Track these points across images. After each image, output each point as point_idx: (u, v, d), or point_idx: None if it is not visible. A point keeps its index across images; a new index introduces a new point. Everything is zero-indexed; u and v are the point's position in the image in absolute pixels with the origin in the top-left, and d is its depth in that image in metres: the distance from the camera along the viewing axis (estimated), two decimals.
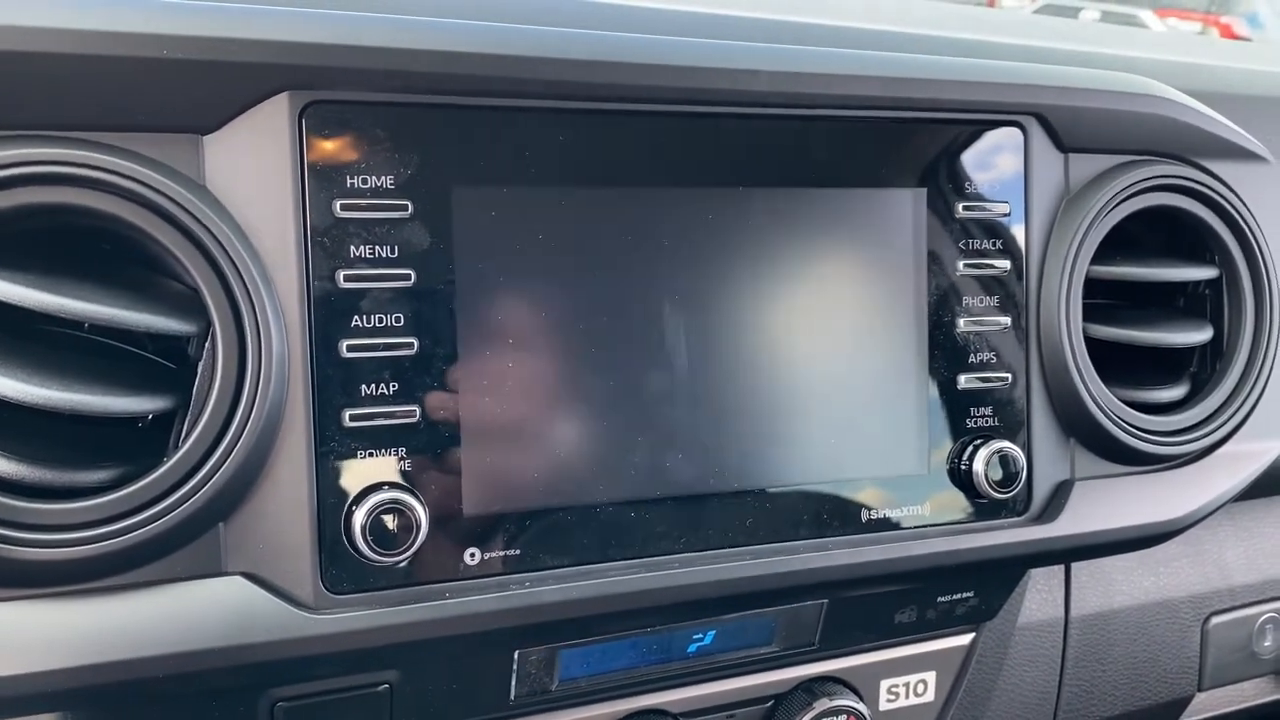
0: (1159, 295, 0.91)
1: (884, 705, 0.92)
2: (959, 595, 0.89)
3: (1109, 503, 0.84)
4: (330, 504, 0.64)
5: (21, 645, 0.58)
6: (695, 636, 0.81)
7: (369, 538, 0.63)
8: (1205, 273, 0.89)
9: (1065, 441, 0.84)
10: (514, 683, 0.75)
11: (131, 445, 0.62)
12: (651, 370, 0.71)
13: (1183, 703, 1.10)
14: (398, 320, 0.65)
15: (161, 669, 0.60)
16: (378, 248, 0.65)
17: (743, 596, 0.74)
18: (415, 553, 0.64)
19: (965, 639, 0.95)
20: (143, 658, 0.59)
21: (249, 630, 0.61)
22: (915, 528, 0.79)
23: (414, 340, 0.65)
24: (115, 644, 0.59)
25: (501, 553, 0.68)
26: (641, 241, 0.71)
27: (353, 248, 0.64)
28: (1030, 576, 1.00)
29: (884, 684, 0.92)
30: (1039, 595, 1.01)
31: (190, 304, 0.62)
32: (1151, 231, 0.90)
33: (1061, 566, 1.02)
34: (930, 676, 0.94)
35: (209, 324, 0.61)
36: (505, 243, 0.67)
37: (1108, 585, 1.04)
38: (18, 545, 0.57)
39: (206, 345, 0.61)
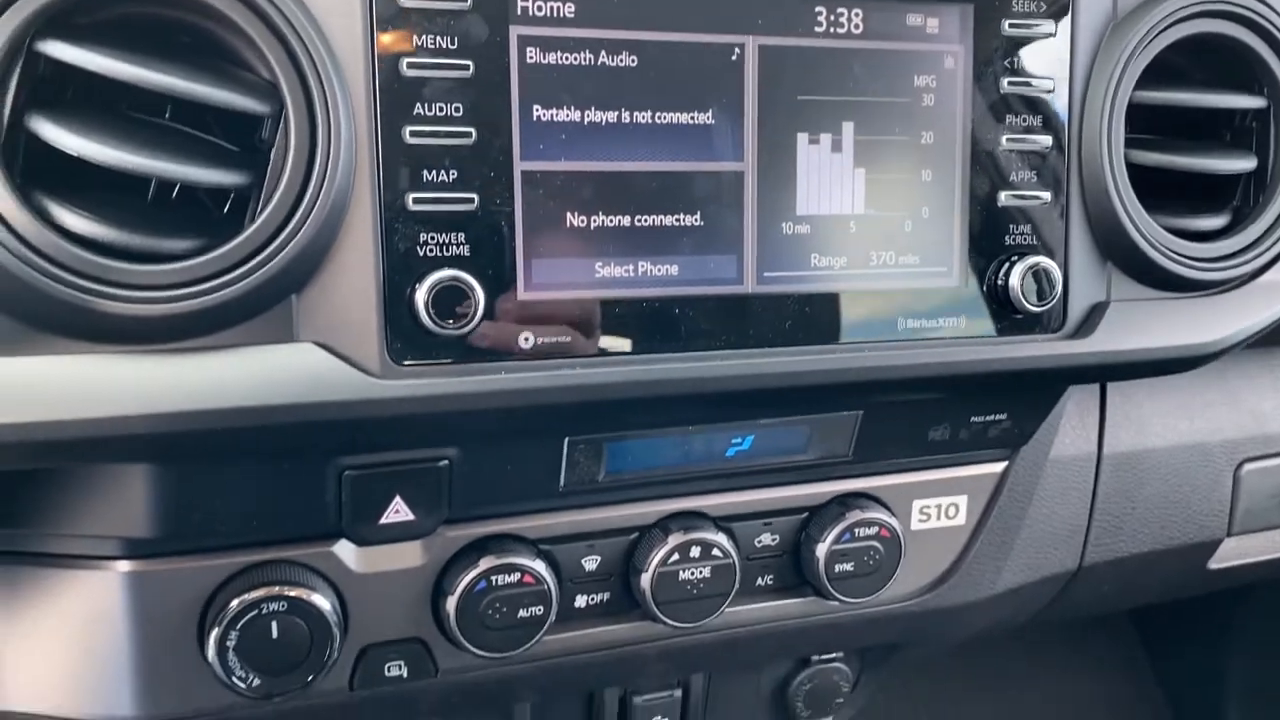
0: (1205, 127, 0.92)
1: (915, 525, 0.96)
2: (992, 417, 0.92)
3: (1143, 324, 0.86)
4: (395, 280, 0.68)
5: (110, 393, 0.63)
6: (734, 440, 0.85)
7: (431, 310, 0.68)
8: (1252, 102, 0.89)
9: (1102, 264, 0.86)
10: (564, 470, 0.80)
11: (209, 223, 0.67)
12: (702, 167, 0.75)
13: (1211, 545, 1.13)
14: (457, 110, 0.69)
15: (238, 420, 0.65)
16: (439, 38, 0.68)
17: (780, 393, 0.78)
18: (473, 329, 0.69)
19: (998, 467, 0.98)
20: (221, 409, 0.64)
21: (319, 390, 0.66)
22: (950, 338, 0.82)
23: (472, 130, 0.69)
24: (196, 394, 0.64)
25: (554, 338, 0.72)
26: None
27: (415, 37, 0.67)
28: (1064, 412, 1.02)
29: (916, 504, 0.96)
30: (1073, 431, 1.04)
31: (264, 91, 0.66)
32: (1199, 66, 0.90)
33: (1096, 403, 1.05)
34: (962, 501, 0.98)
35: (282, 107, 0.65)
36: (563, 38, 0.70)
37: (1142, 426, 1.07)
38: (107, 300, 0.62)
39: (280, 128, 0.65)
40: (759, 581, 0.93)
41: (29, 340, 0.63)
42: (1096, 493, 1.05)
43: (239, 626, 0.74)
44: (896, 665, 1.12)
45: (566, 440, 0.79)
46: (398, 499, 0.76)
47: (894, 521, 0.92)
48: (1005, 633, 1.89)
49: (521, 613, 0.82)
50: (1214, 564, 1.15)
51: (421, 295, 0.68)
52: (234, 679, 0.75)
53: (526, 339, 0.72)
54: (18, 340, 0.63)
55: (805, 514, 0.92)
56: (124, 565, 0.75)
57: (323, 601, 0.77)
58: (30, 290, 0.61)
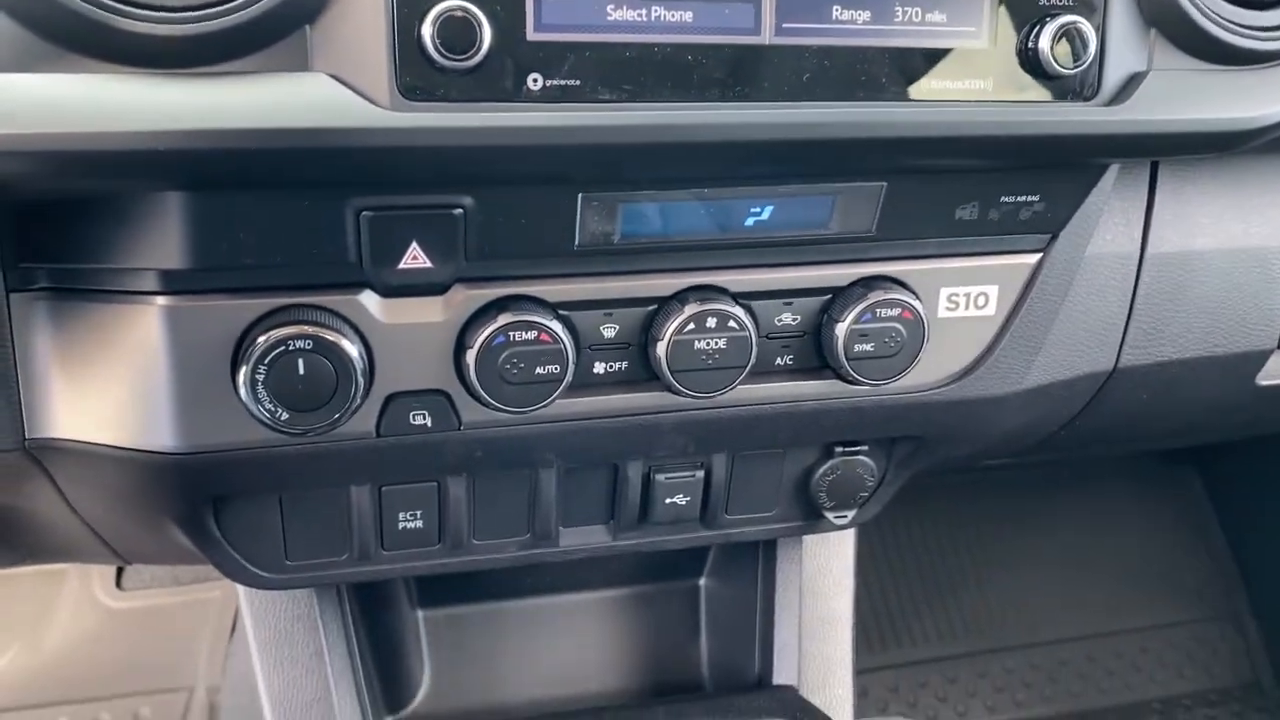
0: None
1: (942, 313, 0.96)
2: (1023, 198, 0.90)
3: (1184, 95, 0.83)
4: (404, 12, 0.69)
5: (125, 109, 0.66)
6: (753, 210, 0.85)
7: (437, 41, 0.69)
8: None
9: (1145, 31, 0.83)
10: (578, 228, 0.82)
11: None
12: None
13: (1259, 358, 1.10)
14: None
15: (249, 142, 0.67)
16: None
17: (793, 148, 0.77)
18: (480, 64, 0.70)
19: (1031, 259, 0.96)
20: (234, 129, 0.67)
21: (329, 117, 0.68)
22: (978, 101, 0.80)
23: None
24: (209, 115, 0.67)
25: (562, 81, 0.73)
26: None
27: None
28: (1107, 209, 0.99)
29: (944, 292, 0.95)
30: (1115, 228, 1.01)
31: None
32: None
33: (1143, 201, 1.01)
34: (992, 291, 0.97)
35: None
36: None
37: (1191, 226, 1.03)
38: (126, 18, 0.65)
39: None
40: (778, 361, 0.94)
41: (49, 58, 0.66)
42: (1137, 292, 1.03)
43: (267, 361, 0.79)
44: (924, 465, 1.12)
45: (580, 196, 0.80)
46: (414, 245, 0.79)
47: (918, 304, 0.92)
48: (1055, 463, 1.89)
49: (539, 370, 0.84)
50: (1262, 380, 1.12)
51: (428, 27, 0.69)
52: (263, 411, 0.79)
53: (535, 80, 0.72)
54: (38, 57, 0.66)
55: (828, 295, 0.92)
56: (162, 300, 0.79)
57: (349, 346, 0.80)
58: (54, 6, 0.64)
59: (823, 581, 1.28)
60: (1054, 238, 0.96)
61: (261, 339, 0.78)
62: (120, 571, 1.88)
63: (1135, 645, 2.08)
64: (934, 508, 2.10)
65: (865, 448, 1.07)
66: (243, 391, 0.79)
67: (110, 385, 0.82)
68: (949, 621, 2.03)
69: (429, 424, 0.87)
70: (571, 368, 0.85)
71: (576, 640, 1.36)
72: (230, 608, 1.80)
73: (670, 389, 0.89)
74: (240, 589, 1.11)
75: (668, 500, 1.03)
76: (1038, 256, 0.97)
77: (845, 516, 1.10)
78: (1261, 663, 2.10)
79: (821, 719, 1.16)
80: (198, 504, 0.91)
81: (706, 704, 1.18)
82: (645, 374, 0.91)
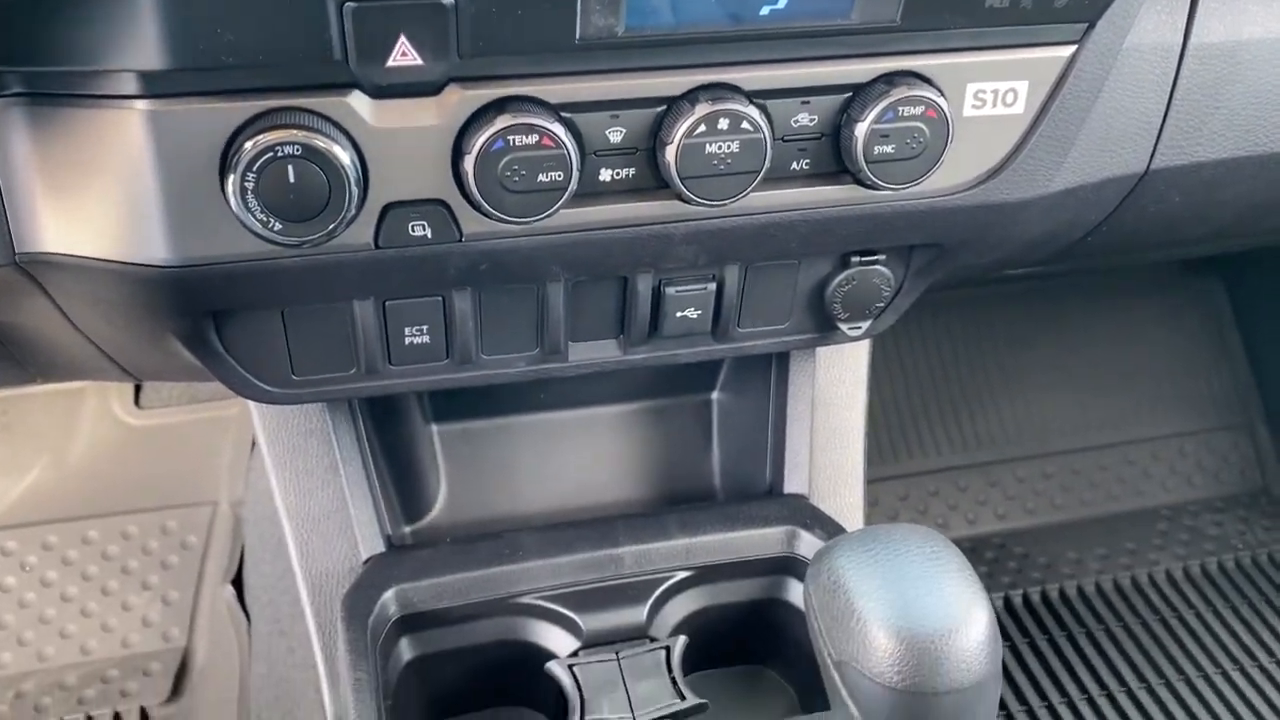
0: None
1: (968, 111, 0.90)
2: None
3: None
4: None
5: None
6: None
7: None
8: None
9: None
10: (579, 17, 0.76)
11: None
12: None
13: None
14: None
15: None
16: None
17: None
18: None
19: (1065, 51, 0.90)
20: None
21: None
22: None
23: None
24: None
25: None
26: None
27: None
28: None
29: (971, 88, 0.90)
30: (1156, 17, 0.94)
31: None
32: None
33: None
34: (1022, 87, 0.91)
35: None
36: None
37: (1239, 14, 0.96)
38: None
39: None
40: (794, 166, 0.90)
41: None
42: (1176, 87, 0.97)
43: (256, 168, 0.75)
44: (942, 275, 1.09)
45: None
46: (402, 39, 0.74)
47: (942, 102, 0.86)
48: (1077, 270, 1.85)
49: (541, 177, 0.81)
50: None
51: None
52: (255, 222, 0.76)
53: None
54: None
55: (848, 93, 0.87)
56: (142, 104, 0.75)
57: (340, 153, 0.77)
58: None
59: (835, 393, 1.27)
60: (1091, 27, 0.89)
61: (249, 145, 0.75)
62: (138, 390, 1.90)
63: (1148, 454, 2.10)
64: (949, 320, 2.08)
65: (882, 257, 1.03)
66: (233, 201, 0.76)
67: (98, 197, 0.79)
68: (961, 433, 2.04)
69: (429, 235, 0.84)
70: (576, 175, 0.81)
71: (590, 454, 1.37)
72: (249, 424, 1.82)
73: (680, 197, 0.85)
74: (252, 405, 1.11)
75: (679, 314, 1.01)
76: (1072, 49, 0.90)
77: (860, 328, 1.07)
78: (1271, 470, 2.12)
79: (831, 525, 1.17)
80: (197, 318, 0.89)
81: (717, 511, 1.19)
82: (654, 181, 0.87)
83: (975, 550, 1.92)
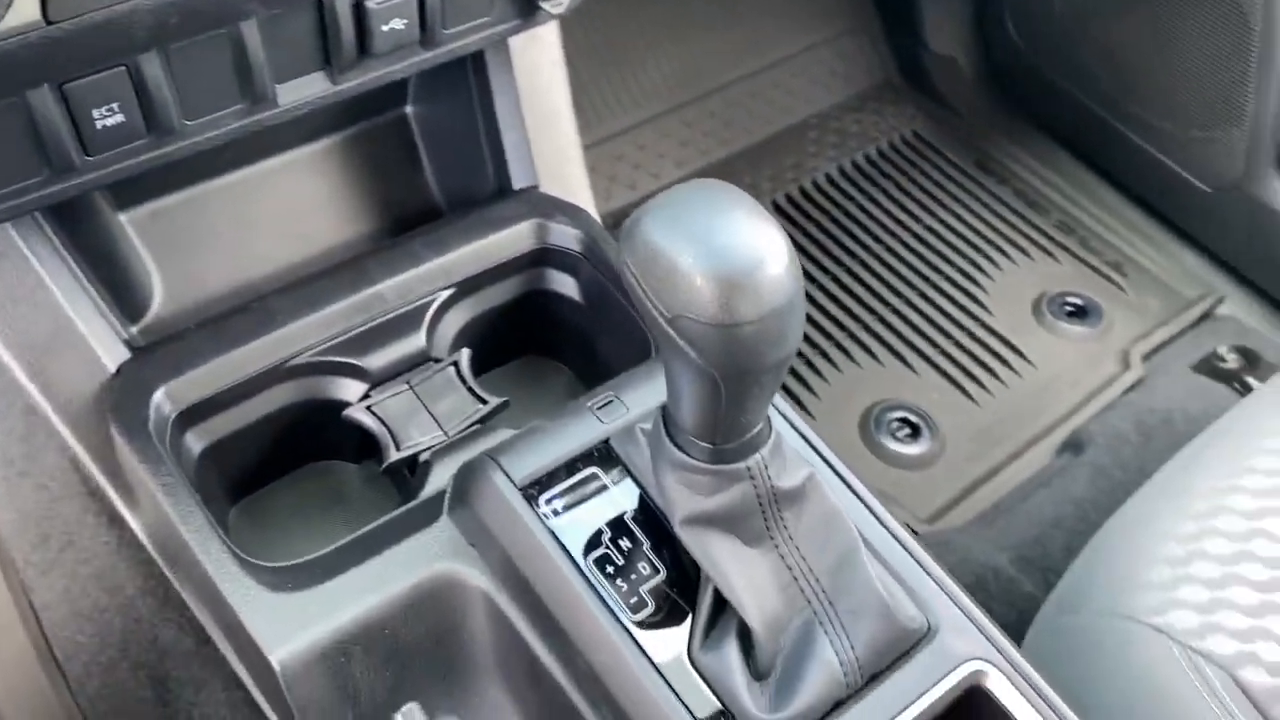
0: None
1: None
2: None
3: None
4: None
5: None
6: None
7: None
8: None
9: None
10: None
11: None
12: None
13: None
14: None
15: None
16: None
17: None
18: None
19: None
20: None
21: None
22: None
23: None
24: None
25: None
26: None
27: None
28: None
29: None
30: None
31: None
32: None
33: None
34: None
35: None
36: None
37: None
38: None
39: None
40: None
41: None
42: None
43: None
44: None
45: None
46: None
47: None
48: None
49: None
50: None
51: None
52: None
53: None
54: None
55: None
56: None
57: None
58: None
59: (537, 80, 1.27)
60: None
61: None
62: None
63: (788, 73, 2.27)
64: None
65: None
66: None
67: None
68: (629, 92, 2.10)
69: None
70: None
71: (298, 202, 1.30)
72: None
73: None
74: None
75: (385, 27, 0.95)
76: None
77: (561, 4, 1.07)
78: (889, 63, 2.36)
79: (570, 209, 1.21)
80: None
81: (459, 224, 1.19)
82: None
83: None
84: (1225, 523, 1.08)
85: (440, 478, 1.02)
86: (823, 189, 2.13)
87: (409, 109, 1.33)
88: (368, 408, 1.09)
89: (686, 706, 0.78)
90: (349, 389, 1.11)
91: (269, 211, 1.28)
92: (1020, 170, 2.20)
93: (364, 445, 1.15)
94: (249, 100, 0.93)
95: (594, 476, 0.90)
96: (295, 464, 1.16)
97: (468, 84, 1.24)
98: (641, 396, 0.95)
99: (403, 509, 0.97)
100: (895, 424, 1.76)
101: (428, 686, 0.87)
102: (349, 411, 1.09)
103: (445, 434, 1.07)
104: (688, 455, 0.78)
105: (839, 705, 0.79)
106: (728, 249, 0.68)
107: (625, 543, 0.86)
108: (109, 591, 1.11)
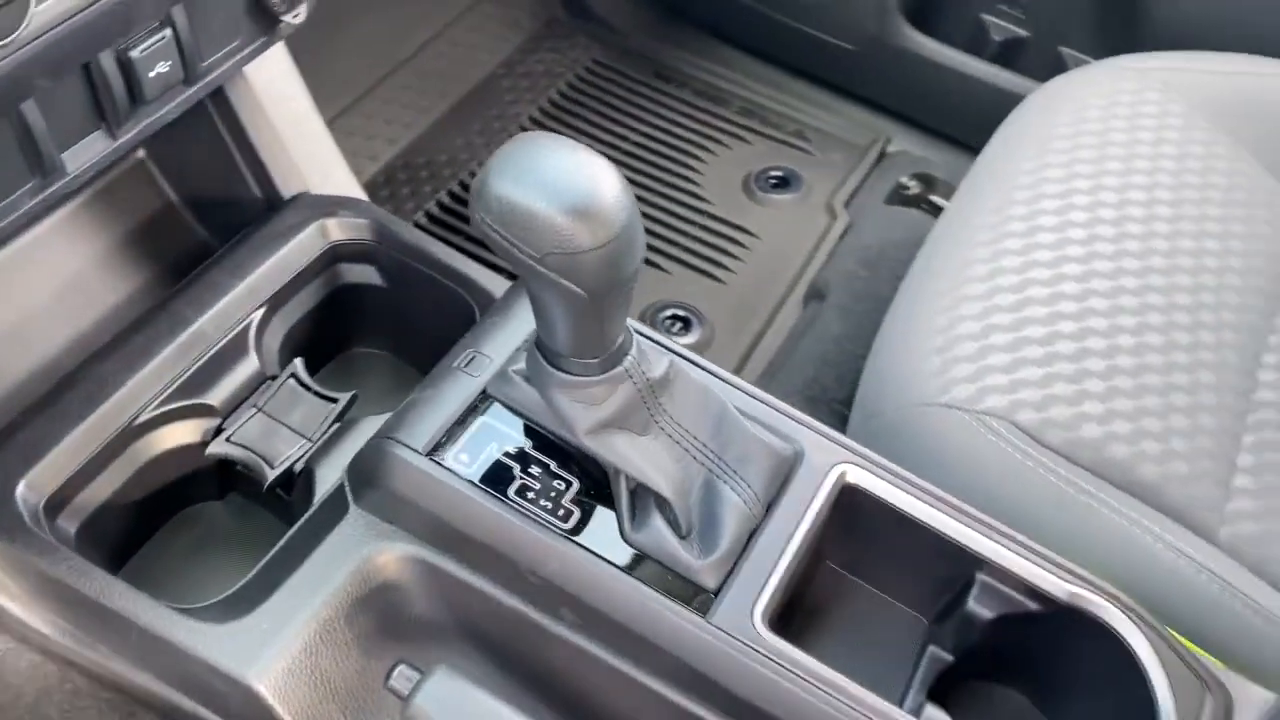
0: None
1: None
2: None
3: None
4: None
5: None
6: None
7: None
8: None
9: None
10: None
11: None
12: None
13: None
14: None
15: None
16: None
17: None
18: None
19: None
20: None
21: None
22: None
23: None
24: None
25: None
26: None
27: None
28: None
29: None
30: None
31: None
32: None
33: None
34: None
35: None
36: None
37: None
38: None
39: None
40: None
41: None
42: None
43: None
44: None
45: None
46: None
47: None
48: None
49: None
50: None
51: None
52: None
53: None
54: None
55: None
56: None
57: None
58: None
59: (275, 89, 1.30)
60: None
61: None
62: None
63: (466, 28, 2.35)
64: None
65: None
66: None
67: None
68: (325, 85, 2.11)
69: None
70: None
71: (63, 272, 1.28)
72: None
73: None
74: None
75: (152, 73, 0.98)
76: None
77: (299, 13, 1.11)
78: (553, 2, 2.49)
79: (349, 201, 1.27)
80: None
81: (248, 245, 1.22)
82: None
83: (396, 173, 2.11)
84: (968, 309, 1.32)
85: (327, 478, 1.08)
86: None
87: (141, 154, 1.32)
88: (227, 439, 1.12)
89: (640, 579, 0.91)
90: (201, 428, 1.13)
91: (38, 287, 1.25)
92: (694, 71, 2.41)
93: (225, 480, 1.18)
94: (39, 176, 0.93)
95: (484, 425, 1.00)
96: (167, 516, 1.17)
97: (206, 114, 1.26)
98: (498, 345, 1.05)
99: (304, 517, 1.03)
100: (668, 321, 1.94)
101: (402, 654, 0.95)
102: (211, 449, 1.12)
103: (310, 440, 1.12)
104: (575, 375, 0.90)
105: (753, 534, 0.95)
106: (574, 185, 0.79)
107: (535, 469, 0.97)
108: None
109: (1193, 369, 1.32)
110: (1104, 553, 1.10)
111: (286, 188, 1.29)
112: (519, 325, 1.06)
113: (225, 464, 1.14)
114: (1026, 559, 0.95)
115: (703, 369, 1.05)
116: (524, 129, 2.26)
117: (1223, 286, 1.41)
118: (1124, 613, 0.93)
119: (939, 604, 1.02)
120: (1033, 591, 0.95)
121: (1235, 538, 1.21)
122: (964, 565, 0.97)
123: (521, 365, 0.97)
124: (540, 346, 0.92)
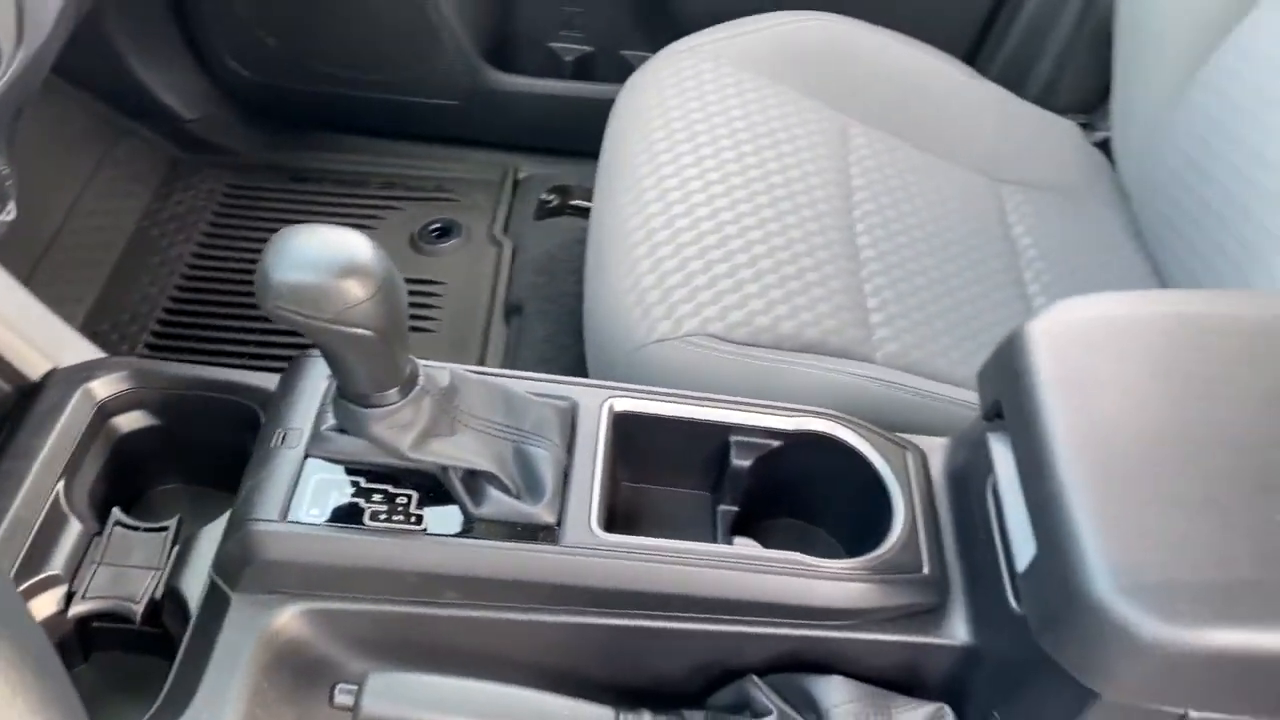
0: None
1: None
2: None
3: None
4: None
5: None
6: None
7: None
8: None
9: None
10: None
11: None
12: None
13: None
14: None
15: None
16: None
17: None
18: None
19: None
20: None
21: None
22: None
23: None
24: None
25: None
26: None
27: None
28: None
29: None
30: None
31: None
32: None
33: None
34: None
35: None
36: None
37: None
38: None
39: None
40: None
41: None
42: None
43: None
44: None
45: None
46: None
47: None
48: None
49: None
50: None
51: None
52: None
53: None
54: None
55: None
56: None
57: None
58: None
59: None
60: None
61: None
62: None
63: None
64: None
65: None
66: None
67: None
68: None
69: None
70: None
71: None
72: None
73: None
74: None
75: None
76: None
77: (11, 213, 1.22)
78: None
79: (97, 364, 1.37)
80: None
81: (22, 444, 1.30)
82: None
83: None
84: (642, 265, 1.64)
85: (193, 587, 1.20)
86: None
87: None
88: (83, 597, 1.21)
89: (496, 539, 1.13)
90: (55, 598, 1.21)
91: None
92: (326, 165, 2.59)
93: (85, 642, 1.26)
94: None
95: (319, 481, 1.17)
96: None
97: None
98: (301, 416, 1.21)
99: (191, 623, 1.15)
100: None
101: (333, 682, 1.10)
102: (74, 610, 1.20)
103: (158, 568, 1.24)
104: (385, 406, 1.10)
105: (566, 474, 1.19)
106: (336, 254, 1.00)
107: (377, 497, 1.16)
108: None
109: (813, 252, 1.71)
110: (808, 396, 1.44)
111: (33, 370, 1.37)
112: (310, 395, 1.23)
113: (83, 626, 1.23)
114: (760, 412, 1.27)
115: (476, 371, 1.28)
116: (191, 266, 2.36)
117: (810, 188, 1.82)
118: (836, 423, 1.27)
119: (711, 476, 1.31)
120: (770, 432, 1.26)
121: (888, 356, 1.60)
122: (719, 435, 1.27)
123: (330, 423, 1.15)
124: (345, 396, 1.10)
